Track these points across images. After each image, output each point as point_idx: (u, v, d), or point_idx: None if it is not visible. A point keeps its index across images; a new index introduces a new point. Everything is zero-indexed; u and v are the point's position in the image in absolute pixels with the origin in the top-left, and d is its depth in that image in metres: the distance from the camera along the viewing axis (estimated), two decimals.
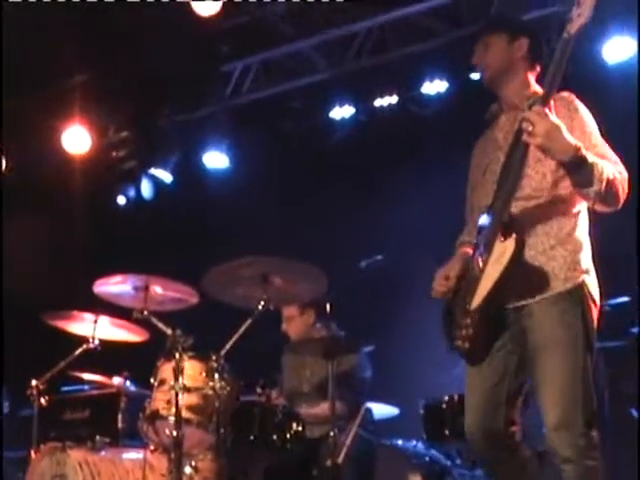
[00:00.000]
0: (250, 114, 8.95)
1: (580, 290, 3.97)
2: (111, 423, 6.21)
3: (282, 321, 6.61)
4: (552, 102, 3.81)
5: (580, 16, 3.61)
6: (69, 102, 8.72)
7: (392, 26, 8.09)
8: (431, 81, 8.01)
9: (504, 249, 3.87)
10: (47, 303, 6.44)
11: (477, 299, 3.97)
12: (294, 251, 5.54)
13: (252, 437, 5.37)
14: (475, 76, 7.44)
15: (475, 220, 4.28)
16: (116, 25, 7.71)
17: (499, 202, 3.98)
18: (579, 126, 3.96)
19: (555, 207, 4.02)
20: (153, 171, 9.30)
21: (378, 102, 8.30)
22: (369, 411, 6.33)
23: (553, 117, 3.69)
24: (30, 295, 8.50)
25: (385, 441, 6.33)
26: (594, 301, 4.02)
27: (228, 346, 5.32)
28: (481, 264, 4.00)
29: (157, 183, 9.42)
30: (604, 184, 3.78)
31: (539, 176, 4.01)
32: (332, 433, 5.51)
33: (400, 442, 6.37)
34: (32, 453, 6.07)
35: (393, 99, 8.26)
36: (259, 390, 5.58)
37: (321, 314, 6.41)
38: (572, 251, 4.00)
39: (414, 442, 6.29)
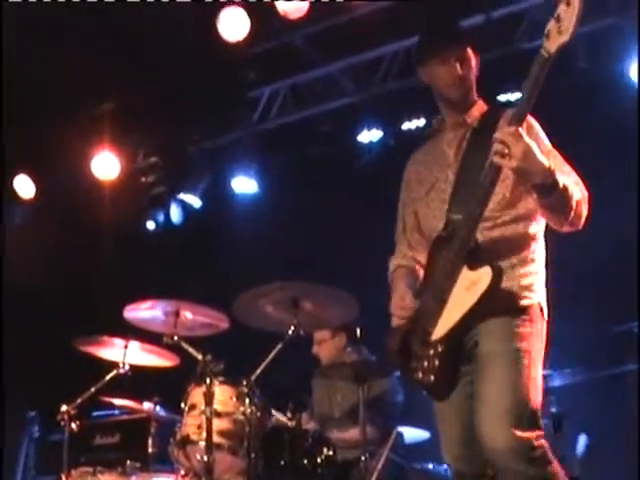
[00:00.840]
0: (278, 139, 8.96)
1: (535, 309, 3.83)
2: (141, 448, 6.23)
3: (313, 344, 6.60)
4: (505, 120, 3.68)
5: (561, 33, 3.36)
6: (98, 128, 8.77)
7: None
8: None
9: (476, 278, 3.65)
10: (77, 328, 6.47)
11: (441, 329, 3.74)
12: (324, 276, 5.54)
13: (283, 462, 5.35)
14: (502, 100, 7.47)
15: (410, 240, 4.19)
16: (144, 52, 7.76)
17: (461, 227, 3.76)
18: (536, 146, 3.68)
19: (514, 228, 3.86)
20: (182, 196, 9.32)
21: (406, 125, 8.29)
22: (400, 435, 6.30)
23: (527, 138, 3.51)
24: (60, 320, 8.54)
25: (416, 465, 6.30)
26: (545, 322, 3.89)
27: (259, 371, 5.33)
28: (442, 295, 3.75)
29: (186, 208, 9.45)
30: (574, 207, 3.68)
31: (498, 197, 3.80)
32: (363, 457, 5.49)
33: (431, 466, 6.34)
34: (63, 478, 6.07)
35: (421, 122, 8.23)
36: (289, 415, 5.57)
37: (352, 338, 6.40)
38: (530, 272, 3.86)
39: (445, 466, 6.25)
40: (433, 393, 3.90)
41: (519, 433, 3.60)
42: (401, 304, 3.95)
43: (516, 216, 3.86)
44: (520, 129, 3.49)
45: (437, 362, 3.75)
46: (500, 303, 3.73)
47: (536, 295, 3.86)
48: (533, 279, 3.86)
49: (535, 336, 3.80)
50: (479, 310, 3.67)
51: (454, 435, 3.94)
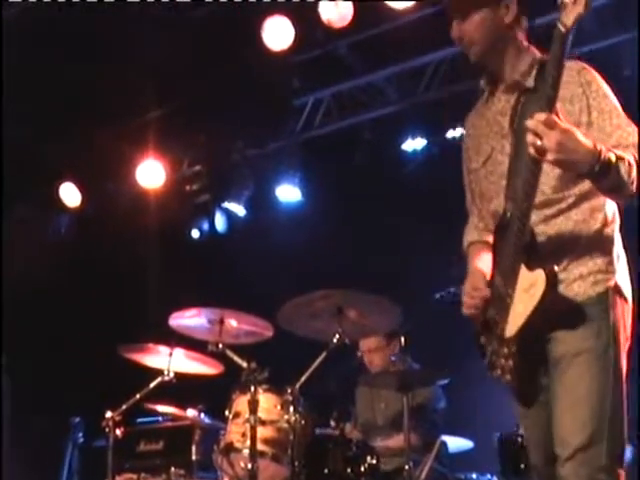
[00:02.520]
0: (322, 147, 8.97)
1: (611, 291, 3.37)
2: (185, 455, 6.25)
3: (361, 354, 6.53)
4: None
5: (577, 4, 3.00)
6: (143, 137, 8.82)
7: (463, 57, 8.00)
8: None
9: (534, 280, 3.26)
10: (123, 335, 6.52)
11: (511, 327, 3.36)
12: (368, 283, 5.54)
13: (326, 470, 5.35)
14: None
15: (480, 209, 3.70)
16: (188, 61, 7.80)
17: (515, 213, 3.32)
18: (597, 105, 3.32)
19: (581, 210, 3.39)
20: (226, 205, 9.35)
21: (450, 134, 8.21)
22: (444, 444, 6.27)
23: (564, 123, 3.08)
24: (105, 327, 8.60)
25: (460, 475, 6.27)
26: (626, 300, 3.43)
27: (303, 379, 5.33)
28: (507, 288, 3.38)
29: (230, 216, 9.48)
30: (634, 182, 3.19)
31: (555, 171, 3.32)
32: (407, 466, 5.47)
33: (474, 476, 6.31)
34: None
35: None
36: (333, 423, 5.57)
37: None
38: (603, 251, 3.39)
39: (489, 476, 6.22)
40: (513, 392, 3.54)
41: (592, 464, 3.24)
42: (472, 293, 3.55)
43: (580, 194, 3.38)
44: (553, 116, 3.07)
45: (512, 363, 3.39)
46: (568, 301, 3.35)
47: (612, 275, 3.39)
48: (606, 258, 3.40)
49: (615, 326, 3.36)
50: (543, 313, 3.27)
51: (534, 436, 3.58)
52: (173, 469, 6.04)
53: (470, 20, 3.50)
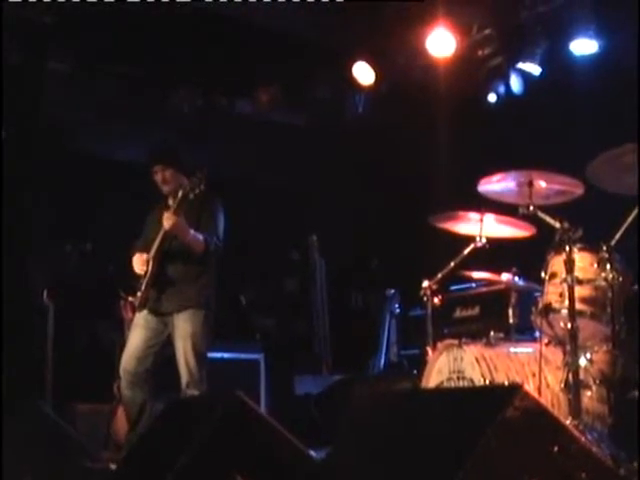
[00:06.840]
0: None
1: None
2: (502, 318, 6.32)
3: None
4: None
5: None
6: (431, 7, 8.76)
7: None
8: None
9: None
10: (431, 206, 6.62)
11: None
12: None
13: None
14: None
15: None
16: None
17: None
18: None
19: None
20: (521, 65, 9.17)
21: None
22: None
23: None
24: (413, 200, 8.76)
25: None
26: None
27: (618, 236, 5.24)
28: None
29: (526, 77, 9.30)
30: None
31: None
32: None
33: None
34: (428, 350, 6.30)
35: None
36: None
37: None
38: None
39: None
40: None
41: None
42: None
43: None
44: None
45: None
46: None
47: None
48: None
49: None
50: None
51: None
52: (492, 333, 6.12)
53: None
